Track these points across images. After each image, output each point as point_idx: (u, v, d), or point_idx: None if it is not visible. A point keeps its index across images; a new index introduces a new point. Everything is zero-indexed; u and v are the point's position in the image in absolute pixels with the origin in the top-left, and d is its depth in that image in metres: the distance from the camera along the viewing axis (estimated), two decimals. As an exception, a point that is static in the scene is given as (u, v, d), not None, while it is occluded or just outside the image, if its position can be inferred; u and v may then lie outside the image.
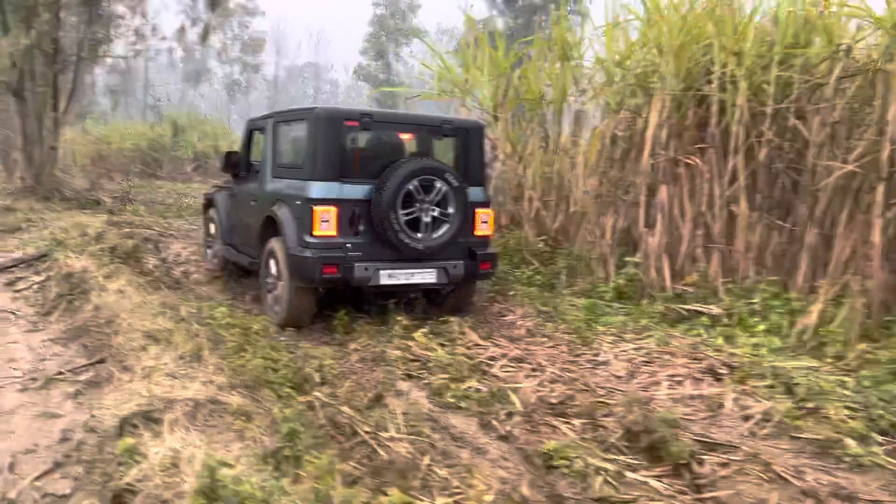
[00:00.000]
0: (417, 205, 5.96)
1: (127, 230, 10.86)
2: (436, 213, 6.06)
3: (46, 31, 13.93)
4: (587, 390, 4.82)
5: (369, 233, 5.95)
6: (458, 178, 6.09)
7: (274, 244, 6.24)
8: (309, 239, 5.78)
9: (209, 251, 8.73)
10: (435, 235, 6.06)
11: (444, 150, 6.77)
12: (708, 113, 7.34)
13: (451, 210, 6.08)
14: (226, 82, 67.81)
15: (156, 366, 3.90)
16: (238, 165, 7.74)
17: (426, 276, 6.18)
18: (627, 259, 7.43)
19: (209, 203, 8.74)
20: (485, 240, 6.60)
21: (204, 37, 14.19)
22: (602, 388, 4.93)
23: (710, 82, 7.24)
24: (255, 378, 3.79)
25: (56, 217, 11.75)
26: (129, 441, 2.83)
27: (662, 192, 7.24)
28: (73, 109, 14.34)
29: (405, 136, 6.70)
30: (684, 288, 7.01)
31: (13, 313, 6.33)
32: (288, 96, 72.52)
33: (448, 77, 10.13)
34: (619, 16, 8.49)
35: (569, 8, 46.62)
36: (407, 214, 5.91)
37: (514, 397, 4.58)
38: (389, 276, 6.01)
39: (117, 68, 40.94)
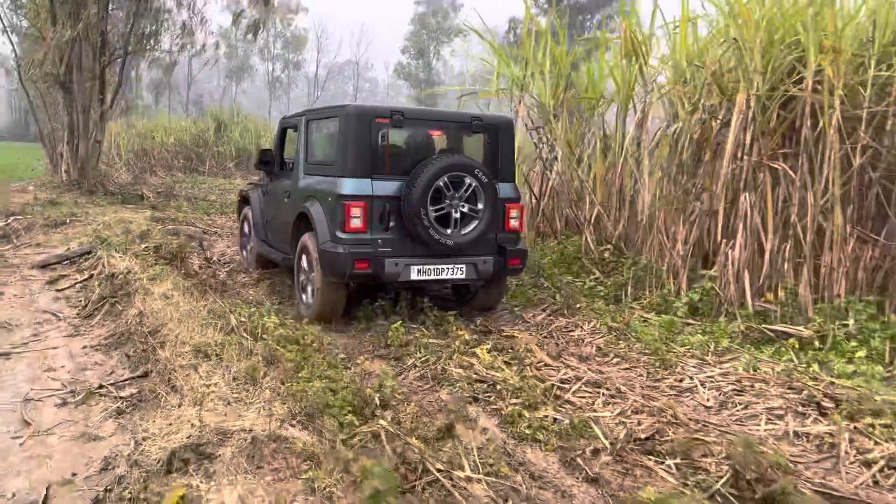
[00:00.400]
0: (447, 201, 5.96)
1: (171, 227, 10.60)
2: (465, 210, 6.04)
3: (94, 23, 13.78)
4: (677, 423, 4.29)
5: (399, 229, 5.96)
6: (487, 175, 6.05)
7: (306, 240, 6.27)
8: (340, 235, 5.81)
9: (245, 248, 8.71)
10: (464, 231, 6.04)
11: (475, 147, 6.65)
12: (793, 115, 6.75)
13: (480, 206, 6.06)
14: (267, 79, 68.23)
15: (207, 388, 3.49)
16: (271, 163, 7.76)
17: (456, 271, 6.17)
18: (703, 272, 6.86)
19: (244, 200, 8.75)
20: (515, 235, 6.53)
21: (255, 31, 13.85)
22: (693, 420, 4.40)
23: (798, 82, 6.64)
24: (316, 405, 3.34)
25: (100, 212, 11.53)
26: (179, 494, 2.40)
27: (744, 201, 6.65)
28: (119, 104, 14.11)
29: (436, 133, 6.62)
30: (766, 305, 6.43)
31: (55, 315, 6.02)
32: (328, 94, 72.71)
33: (506, 74, 9.61)
34: (691, 11, 7.94)
35: (612, 9, 45.87)
36: (437, 210, 5.90)
37: (597, 430, 4.08)
38: (419, 272, 6.02)
39: (161, 64, 41.39)
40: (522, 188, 9.33)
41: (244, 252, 8.75)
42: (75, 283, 7.04)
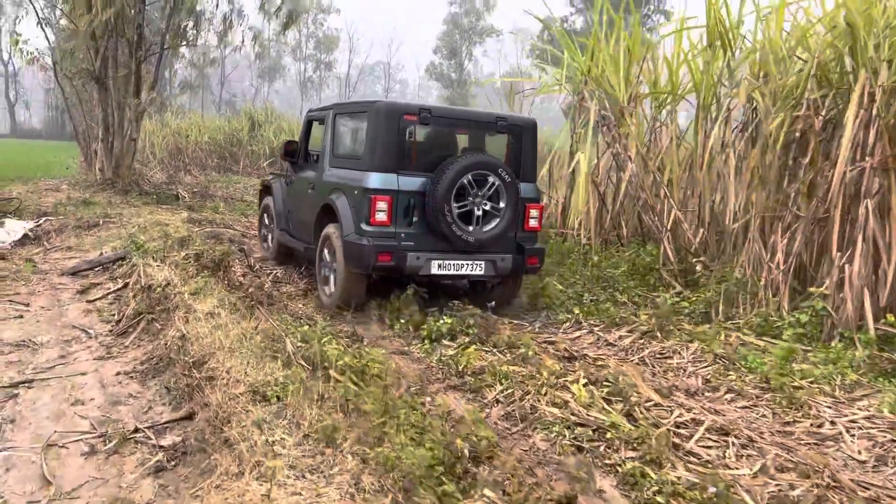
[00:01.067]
0: (470, 198, 6.03)
1: (209, 229, 9.93)
2: (487, 207, 6.11)
3: (131, 16, 13.20)
4: (837, 486, 3.45)
5: (422, 223, 6.04)
6: (510, 174, 6.12)
7: (330, 230, 6.33)
8: (365, 227, 5.89)
9: (266, 239, 8.75)
10: (486, 229, 6.12)
11: (499, 147, 6.67)
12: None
13: (502, 204, 6.13)
14: (299, 79, 67.96)
15: (271, 448, 2.73)
16: (296, 154, 7.81)
17: (475, 267, 6.23)
18: (812, 289, 5.97)
19: (266, 190, 8.80)
20: (533, 234, 6.65)
21: (288, 24, 13.12)
22: (855, 482, 3.55)
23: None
24: (412, 476, 2.56)
25: (134, 213, 10.91)
26: None
27: (864, 209, 5.76)
28: (154, 101, 13.52)
29: (461, 132, 6.70)
30: (890, 329, 5.54)
31: (85, 331, 5.32)
32: (358, 94, 72.27)
33: (574, 67, 8.75)
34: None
35: (653, 5, 44.65)
36: (460, 207, 5.97)
37: (749, 501, 3.25)
38: (440, 267, 6.09)
39: (195, 63, 41.02)
40: (581, 190, 8.53)
41: (265, 243, 8.80)
42: (108, 293, 6.35)
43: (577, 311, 6.55)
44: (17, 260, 7.88)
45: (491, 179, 6.04)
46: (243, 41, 15.31)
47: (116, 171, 13.46)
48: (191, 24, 15.01)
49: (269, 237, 8.55)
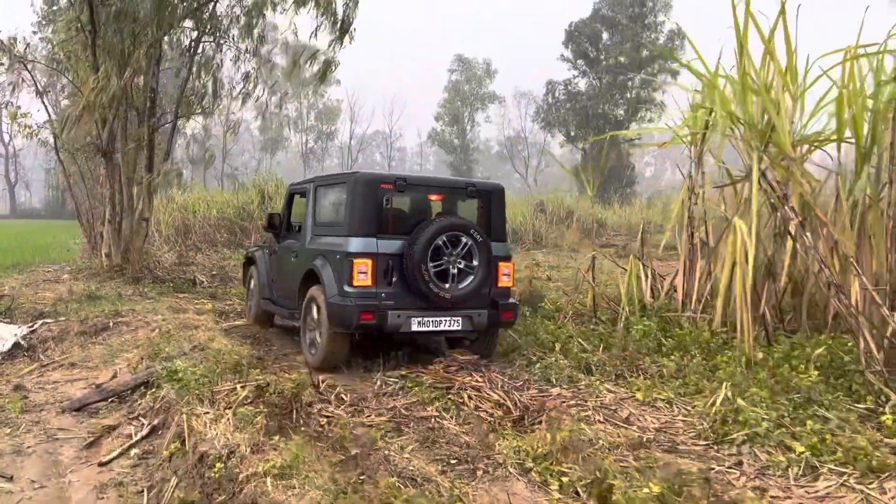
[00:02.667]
0: (445, 258, 6.27)
1: (239, 323, 7.91)
2: (462, 266, 6.35)
3: (144, 81, 11.50)
4: None
5: (401, 283, 6.25)
6: (481, 234, 6.40)
7: (314, 293, 6.51)
8: (347, 289, 6.10)
9: (250, 305, 8.98)
10: (461, 286, 6.34)
11: (470, 210, 6.99)
12: None
13: (475, 262, 6.38)
14: (301, 150, 66.98)
15: None
16: (279, 226, 8.13)
17: (453, 323, 6.43)
18: None
19: (249, 261, 9.22)
20: (506, 291, 6.87)
21: (324, 74, 11.41)
22: None
23: None
24: None
25: (151, 308, 8.88)
26: None
27: None
28: (170, 174, 11.71)
29: (435, 197, 6.96)
30: None
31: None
32: (358, 164, 71.32)
33: (724, 109, 6.75)
34: None
35: (658, 66, 43.88)
36: (436, 266, 6.21)
37: None
38: (420, 324, 6.28)
39: (197, 138, 39.69)
40: (738, 266, 6.56)
41: (249, 311, 9.07)
42: (130, 446, 4.30)
43: (802, 450, 4.50)
44: (3, 383, 5.85)
45: (464, 239, 6.32)
46: (266, 106, 13.48)
47: (126, 257, 11.49)
48: (208, 88, 13.31)
49: (251, 304, 8.84)
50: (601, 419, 5.26)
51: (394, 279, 6.22)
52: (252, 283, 8.86)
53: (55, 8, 16.13)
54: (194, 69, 12.58)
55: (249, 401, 4.11)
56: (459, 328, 6.48)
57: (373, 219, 6.27)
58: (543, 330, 7.68)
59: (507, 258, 6.86)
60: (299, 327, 6.94)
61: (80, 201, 14.61)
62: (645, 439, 4.87)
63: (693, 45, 6.74)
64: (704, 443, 4.85)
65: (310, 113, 65.15)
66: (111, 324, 7.76)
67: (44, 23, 18.95)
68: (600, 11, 45.66)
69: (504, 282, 6.77)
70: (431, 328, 6.36)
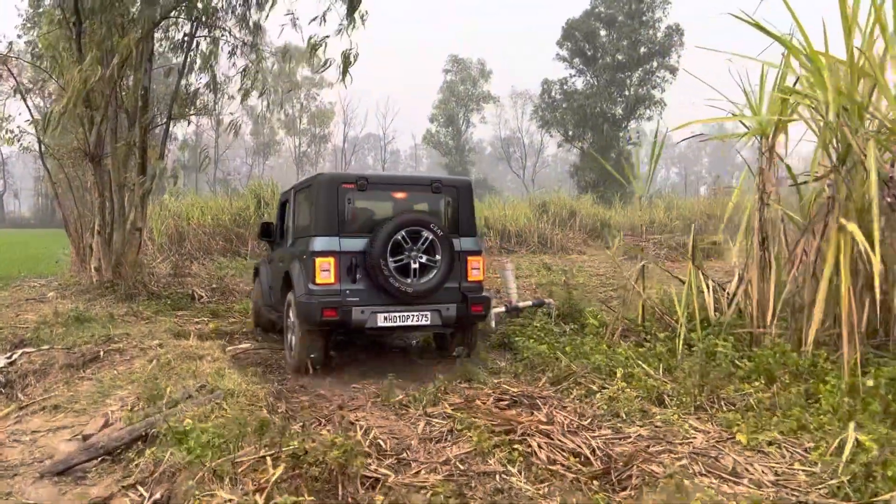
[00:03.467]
0: (406, 253, 6.32)
1: (248, 345, 6.92)
2: (424, 260, 6.38)
3: (134, 81, 10.48)
4: None
5: (367, 280, 6.32)
6: (442, 228, 6.44)
7: (290, 296, 6.70)
8: (312, 287, 6.23)
9: (256, 311, 9.04)
10: (423, 280, 6.36)
11: (437, 206, 6.92)
12: None
13: (438, 257, 6.40)
14: (294, 154, 65.84)
15: None
16: (273, 233, 8.33)
17: (421, 318, 6.45)
18: None
19: (256, 271, 9.34)
20: (477, 285, 6.81)
21: (346, 67, 10.40)
22: None
23: None
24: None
25: (147, 331, 7.85)
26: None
27: None
28: (163, 176, 10.66)
29: (399, 195, 6.86)
30: None
31: None
32: (352, 167, 70.27)
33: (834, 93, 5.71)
34: None
35: (655, 63, 43.04)
36: (396, 262, 6.28)
37: None
38: (386, 319, 6.32)
39: (189, 142, 38.52)
40: (843, 281, 5.60)
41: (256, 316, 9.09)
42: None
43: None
44: (-27, 433, 4.82)
45: (424, 234, 6.34)
46: (268, 104, 12.45)
47: (117, 271, 10.45)
48: (202, 86, 12.29)
49: (258, 312, 8.92)
50: (702, 470, 4.28)
51: (358, 276, 6.29)
52: (257, 290, 9.06)
53: (41, 10, 15.06)
54: (189, 63, 11.57)
55: (284, 479, 3.11)
56: (428, 323, 6.49)
57: (335, 218, 6.36)
58: (596, 351, 6.72)
59: (478, 252, 6.85)
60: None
61: (67, 210, 13.54)
62: (766, 499, 3.91)
63: (795, 17, 5.71)
64: (845, 504, 3.88)
65: (302, 116, 64.06)
66: (102, 352, 6.73)
67: (28, 25, 17.87)
68: (596, 9, 44.80)
69: (474, 276, 6.77)
70: (399, 323, 6.38)
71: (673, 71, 42.89)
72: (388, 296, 6.29)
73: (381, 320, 6.28)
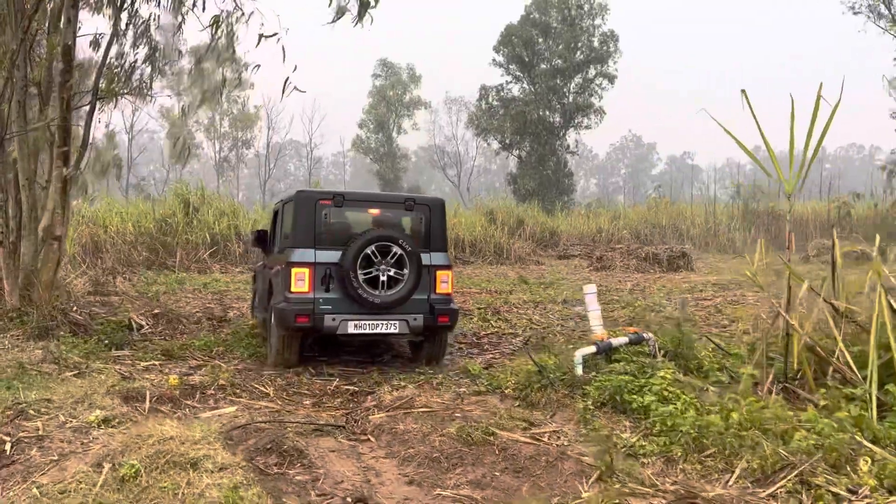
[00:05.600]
0: (375, 266, 6.59)
1: (250, 421, 4.34)
2: (392, 273, 6.64)
3: (52, 40, 7.57)
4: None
5: (340, 290, 6.61)
6: (411, 244, 6.70)
7: (272, 301, 7.08)
8: (288, 294, 6.56)
9: (255, 315, 9.19)
10: (391, 292, 6.63)
11: (409, 223, 7.23)
12: None
13: (405, 271, 6.66)
14: (215, 159, 61.49)
15: None
16: (266, 241, 8.55)
17: (390, 326, 6.74)
18: None
19: (253, 278, 9.78)
20: (446, 297, 7.07)
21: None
22: None
23: None
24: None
25: (78, 393, 5.06)
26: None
27: None
28: (96, 166, 7.81)
29: (373, 211, 7.23)
30: None
31: None
32: (273, 173, 66.56)
33: None
34: None
35: (595, 70, 41.96)
36: (366, 274, 6.57)
37: None
38: (356, 326, 6.64)
39: (97, 145, 34.41)
40: None
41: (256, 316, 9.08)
42: None
43: None
44: None
45: (394, 249, 6.62)
46: (226, 83, 9.61)
47: (26, 294, 7.47)
48: (140, 59, 9.43)
49: (254, 315, 9.15)
50: None
51: (331, 286, 6.59)
52: (254, 295, 9.33)
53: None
54: (122, 27, 8.73)
55: None
56: (397, 331, 6.78)
57: (311, 231, 6.68)
58: (780, 418, 4.48)
59: (447, 267, 7.11)
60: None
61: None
62: None
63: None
64: None
65: (223, 119, 59.90)
66: (9, 445, 3.96)
67: None
68: (531, 15, 43.35)
69: (443, 288, 7.03)
70: (368, 331, 6.68)
71: (611, 79, 41.92)
72: (358, 305, 6.58)
73: (352, 328, 6.61)
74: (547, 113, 43.00)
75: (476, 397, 5.93)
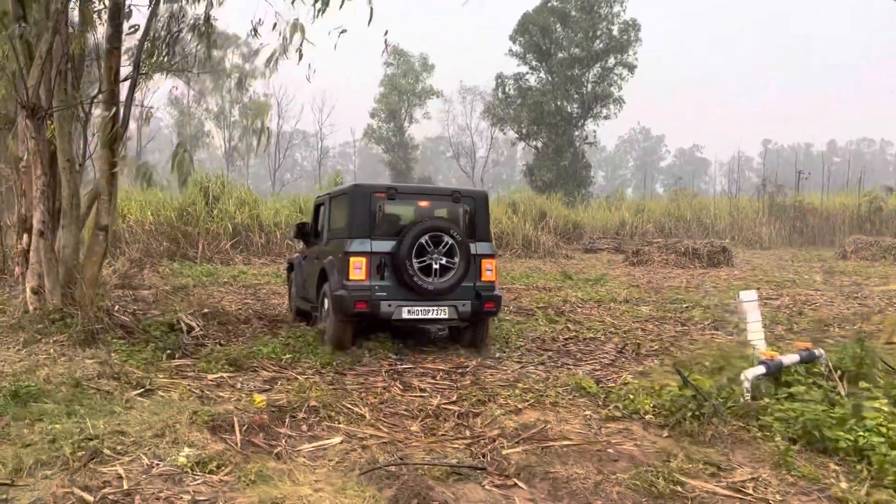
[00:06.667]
0: (429, 255, 6.84)
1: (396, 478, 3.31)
2: (444, 262, 6.90)
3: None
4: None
5: (393, 278, 6.88)
6: (461, 234, 6.99)
7: (325, 287, 7.33)
8: (346, 282, 6.82)
9: (292, 304, 9.55)
10: (443, 279, 6.89)
11: (456, 214, 7.42)
12: None
13: (456, 259, 6.94)
14: (224, 148, 60.30)
15: None
16: (308, 233, 8.80)
17: (440, 312, 7.02)
18: None
19: (290, 267, 9.93)
20: (490, 284, 7.32)
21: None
22: None
23: None
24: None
25: (154, 420, 4.06)
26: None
27: None
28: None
29: (423, 204, 7.47)
30: None
31: None
32: (281, 162, 65.44)
33: None
34: None
35: (615, 60, 40.78)
36: (420, 262, 6.81)
37: None
38: (409, 312, 6.91)
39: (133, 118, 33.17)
40: None
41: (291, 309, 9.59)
42: None
43: None
44: None
45: (445, 239, 6.88)
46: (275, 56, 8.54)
47: (69, 293, 6.46)
48: (185, 30, 8.37)
49: (293, 304, 9.40)
50: None
51: (386, 274, 6.86)
52: (292, 285, 9.63)
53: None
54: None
55: None
56: (446, 316, 7.06)
57: (367, 223, 6.96)
58: None
59: (492, 256, 7.38)
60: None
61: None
62: None
63: None
64: None
65: (233, 108, 58.68)
66: (92, 505, 2.96)
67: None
68: (549, 3, 42.07)
69: (487, 276, 7.26)
70: (420, 316, 6.96)
71: (631, 68, 40.72)
72: (411, 292, 6.83)
73: (406, 313, 6.86)
74: (564, 103, 41.83)
75: (613, 424, 4.93)
